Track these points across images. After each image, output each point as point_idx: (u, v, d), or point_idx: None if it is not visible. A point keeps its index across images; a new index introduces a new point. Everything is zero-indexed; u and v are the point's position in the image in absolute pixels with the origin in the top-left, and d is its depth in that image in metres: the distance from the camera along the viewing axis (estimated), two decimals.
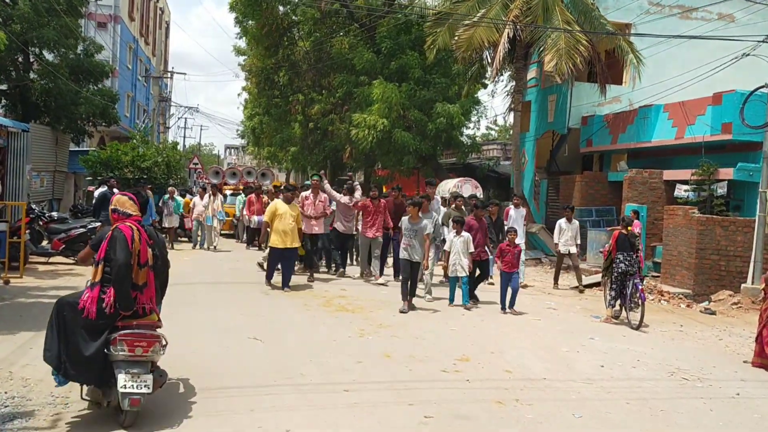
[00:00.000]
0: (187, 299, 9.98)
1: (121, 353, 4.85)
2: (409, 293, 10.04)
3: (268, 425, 5.06)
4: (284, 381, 6.10)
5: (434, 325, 8.95)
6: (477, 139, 26.82)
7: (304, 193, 12.90)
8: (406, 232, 10.28)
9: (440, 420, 5.31)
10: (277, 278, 11.52)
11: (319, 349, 7.37)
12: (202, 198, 18.18)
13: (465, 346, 7.79)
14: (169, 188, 19.08)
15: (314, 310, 9.61)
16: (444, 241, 11.53)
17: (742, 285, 12.76)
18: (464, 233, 10.64)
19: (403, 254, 10.27)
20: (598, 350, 8.05)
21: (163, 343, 5.12)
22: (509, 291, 10.40)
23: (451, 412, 5.49)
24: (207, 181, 22.90)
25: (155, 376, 5.01)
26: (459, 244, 10.55)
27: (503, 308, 10.32)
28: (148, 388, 4.87)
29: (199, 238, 18.11)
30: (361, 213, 12.82)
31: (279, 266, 11.58)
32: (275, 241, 11.14)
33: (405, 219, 10.56)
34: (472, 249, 10.56)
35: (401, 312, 9.67)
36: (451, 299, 10.63)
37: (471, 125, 27.08)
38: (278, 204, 11.40)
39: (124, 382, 4.80)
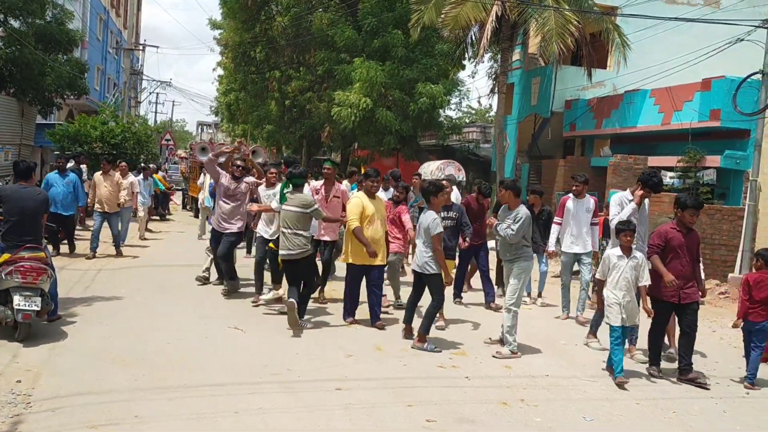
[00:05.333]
0: (164, 284, 9.47)
1: (15, 280, 6.20)
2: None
3: (256, 429, 4.62)
4: (271, 377, 5.63)
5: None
6: (456, 121, 26.36)
7: (313, 184, 9.02)
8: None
9: (443, 424, 4.90)
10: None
11: (306, 339, 6.92)
12: (146, 178, 15.14)
13: (458, 338, 7.38)
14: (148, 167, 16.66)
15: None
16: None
17: (729, 275, 12.60)
18: (638, 254, 6.49)
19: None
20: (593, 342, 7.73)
21: (50, 274, 6.46)
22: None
23: (453, 414, 5.09)
24: (179, 156, 21.56)
25: (43, 303, 6.31)
26: (627, 271, 6.43)
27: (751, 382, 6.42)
28: (37, 306, 6.21)
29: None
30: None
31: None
32: (356, 255, 7.63)
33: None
34: (646, 281, 6.39)
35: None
36: (617, 366, 6.20)
37: (453, 106, 26.69)
38: (363, 199, 7.68)
39: (18, 301, 6.15)
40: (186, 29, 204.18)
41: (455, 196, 10.66)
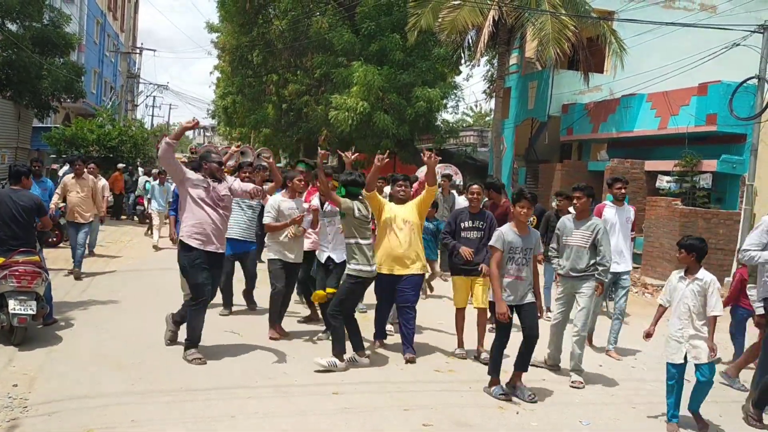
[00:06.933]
0: (159, 288, 9.44)
1: (10, 285, 6.20)
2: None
3: None
4: (267, 382, 5.63)
5: (419, 318, 8.47)
6: (453, 125, 26.43)
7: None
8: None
9: (440, 428, 4.90)
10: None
11: (301, 343, 6.92)
12: (162, 183, 14.25)
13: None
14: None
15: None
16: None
17: (726, 279, 12.60)
18: (705, 276, 5.26)
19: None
20: (592, 347, 7.73)
21: (44, 277, 6.48)
22: None
23: (450, 418, 5.09)
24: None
25: (38, 307, 6.32)
26: (689, 295, 5.27)
27: None
28: (33, 310, 6.21)
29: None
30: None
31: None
32: (378, 262, 6.54)
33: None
34: (719, 311, 5.18)
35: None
36: (672, 412, 5.30)
37: (449, 110, 26.75)
38: (385, 204, 6.78)
39: (13, 305, 6.16)
40: (183, 32, 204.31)
41: (463, 200, 10.10)
